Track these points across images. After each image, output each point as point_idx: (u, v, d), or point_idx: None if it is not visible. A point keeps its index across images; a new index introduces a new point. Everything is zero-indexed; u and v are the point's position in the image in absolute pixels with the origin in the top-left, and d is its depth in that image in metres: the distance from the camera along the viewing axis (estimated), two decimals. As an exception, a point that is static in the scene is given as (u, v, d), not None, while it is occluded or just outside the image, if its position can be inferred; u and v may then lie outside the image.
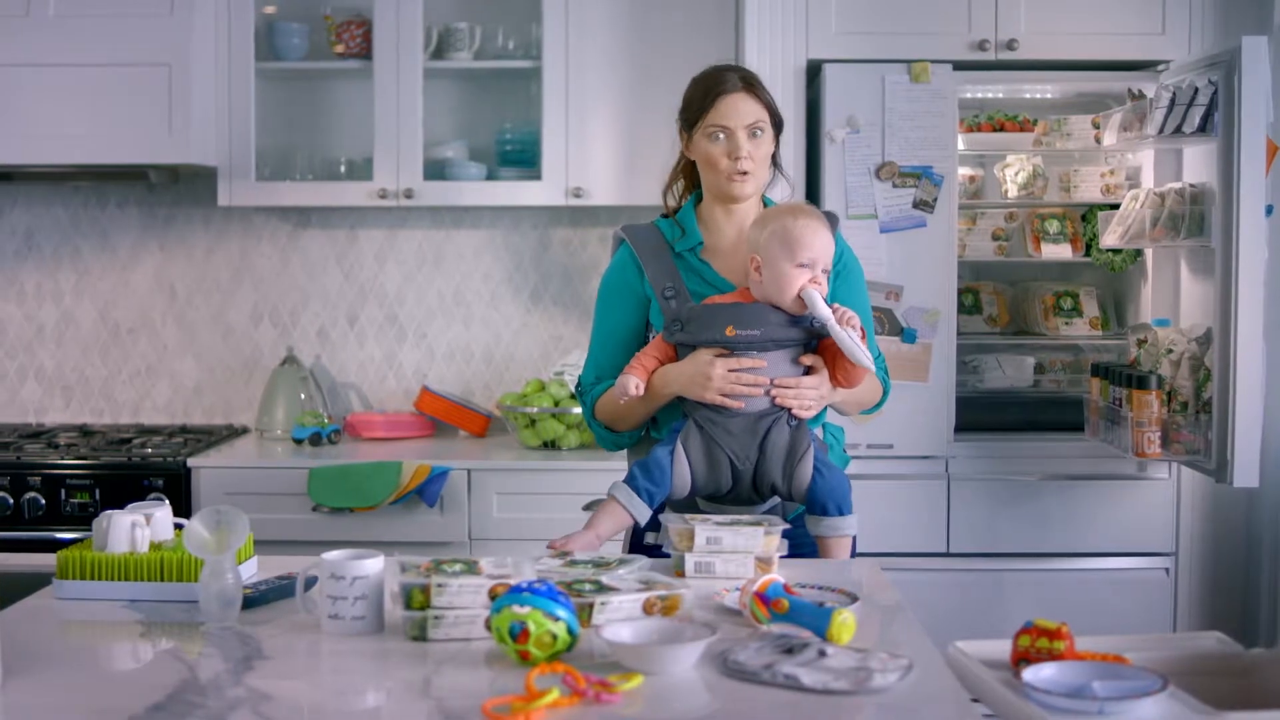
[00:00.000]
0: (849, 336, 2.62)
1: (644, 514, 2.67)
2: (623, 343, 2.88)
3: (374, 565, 2.16)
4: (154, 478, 4.01)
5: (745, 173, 2.78)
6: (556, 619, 1.97)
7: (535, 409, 4.20)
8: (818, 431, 2.84)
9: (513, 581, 2.09)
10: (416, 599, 2.10)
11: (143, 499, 3.93)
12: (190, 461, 4.04)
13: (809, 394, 2.68)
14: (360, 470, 4.00)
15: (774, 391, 2.66)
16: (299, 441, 4.31)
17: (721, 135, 2.78)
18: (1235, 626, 4.05)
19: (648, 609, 2.17)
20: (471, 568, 2.17)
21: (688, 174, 2.95)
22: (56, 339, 4.68)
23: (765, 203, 2.92)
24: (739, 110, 2.78)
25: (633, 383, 2.70)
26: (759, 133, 2.79)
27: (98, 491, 4.00)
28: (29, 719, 1.80)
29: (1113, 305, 4.42)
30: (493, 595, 2.08)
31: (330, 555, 2.18)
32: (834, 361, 2.70)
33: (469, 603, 2.10)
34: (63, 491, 4.00)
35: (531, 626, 1.95)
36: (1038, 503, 4.06)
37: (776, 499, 2.77)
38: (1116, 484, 4.06)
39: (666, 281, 2.81)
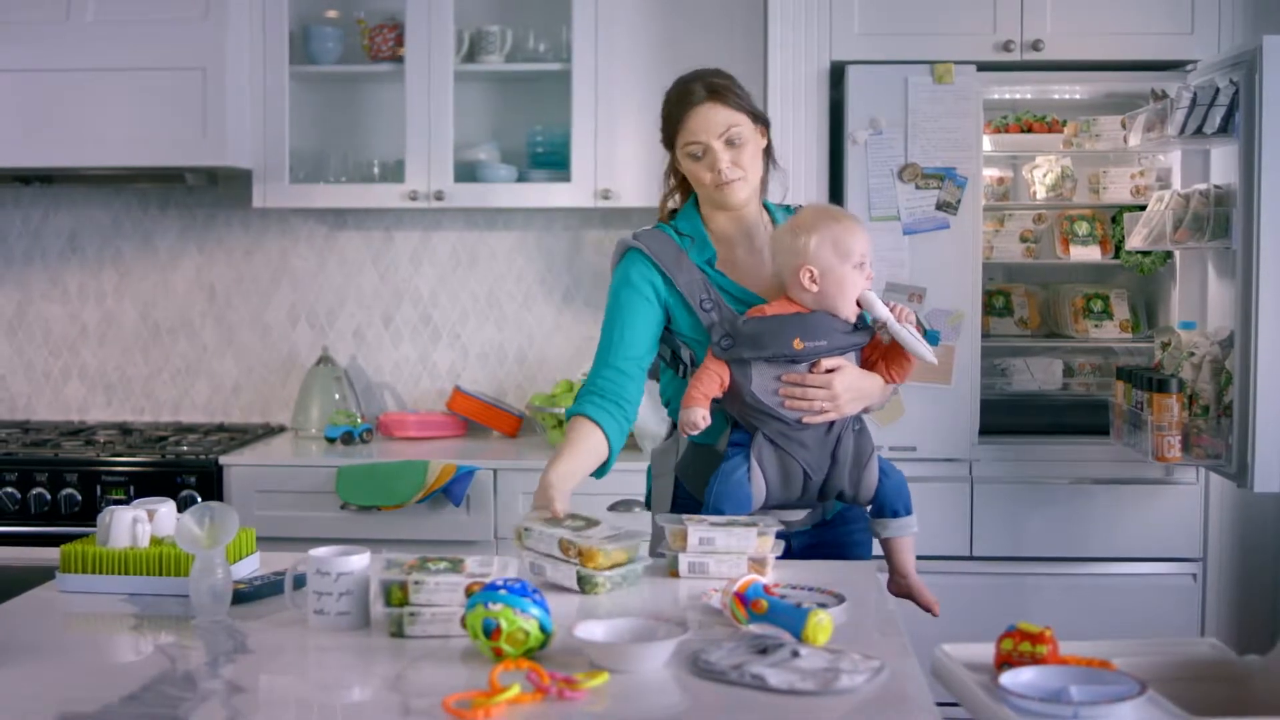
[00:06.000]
0: (909, 333, 2.65)
1: None
2: (641, 353, 2.79)
3: (359, 562, 2.20)
4: (187, 475, 4.08)
5: (730, 182, 2.75)
6: (528, 616, 1.99)
7: (563, 409, 4.22)
8: None
9: (489, 580, 2.11)
10: (395, 596, 2.14)
11: (176, 496, 4.01)
12: (222, 459, 4.10)
13: (817, 394, 2.65)
14: (387, 469, 4.04)
15: (782, 390, 2.65)
16: (331, 440, 4.36)
17: (699, 151, 2.76)
18: (1264, 633, 4.00)
19: (564, 549, 2.37)
20: (455, 566, 2.20)
21: (680, 179, 2.91)
22: (99, 338, 4.78)
23: (766, 206, 2.89)
24: (710, 123, 2.74)
25: (699, 415, 2.64)
26: (736, 139, 2.75)
27: (132, 488, 4.07)
28: (4, 708, 1.85)
29: (1143, 308, 4.38)
30: (469, 593, 2.10)
31: (316, 551, 2.22)
32: (887, 359, 2.73)
33: (446, 600, 2.13)
34: (98, 488, 4.08)
35: (503, 624, 1.97)
36: (1063, 507, 4.03)
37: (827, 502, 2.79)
38: (1143, 488, 4.02)
39: (701, 292, 2.76)
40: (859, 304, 2.69)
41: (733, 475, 2.67)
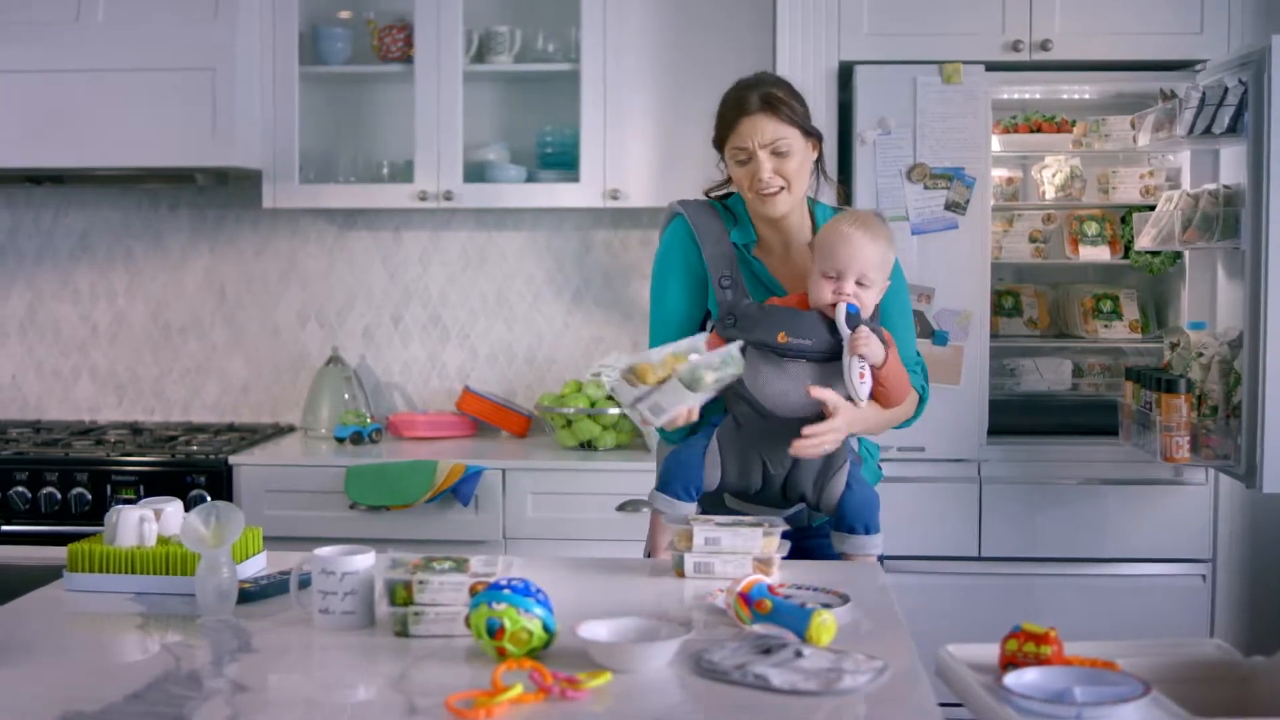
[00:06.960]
0: (848, 367, 2.61)
1: (689, 510, 2.68)
2: (683, 323, 2.82)
3: (364, 561, 2.20)
4: (196, 474, 4.09)
5: (772, 193, 2.75)
6: (531, 616, 1.99)
7: (572, 409, 4.22)
8: (853, 443, 2.80)
9: (494, 579, 2.12)
10: (400, 595, 2.15)
11: (185, 495, 4.02)
12: (232, 459, 4.11)
13: (830, 438, 2.62)
14: (396, 469, 4.05)
15: (795, 444, 2.60)
16: (340, 440, 4.37)
17: (744, 158, 2.76)
18: (1274, 634, 3.99)
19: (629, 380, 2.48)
20: (459, 565, 2.20)
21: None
22: (109, 338, 4.79)
23: (810, 207, 2.88)
24: (758, 132, 2.73)
25: None
26: (783, 151, 2.74)
27: (142, 488, 4.07)
28: (7, 707, 1.85)
29: (1153, 308, 4.37)
30: (473, 593, 2.11)
31: (321, 551, 2.22)
32: (876, 384, 2.69)
33: (450, 600, 2.13)
34: (108, 488, 4.09)
35: (507, 623, 1.98)
36: (1071, 507, 4.02)
37: (804, 505, 2.77)
38: (1152, 489, 4.02)
39: (724, 269, 2.78)
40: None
41: (685, 450, 2.69)
